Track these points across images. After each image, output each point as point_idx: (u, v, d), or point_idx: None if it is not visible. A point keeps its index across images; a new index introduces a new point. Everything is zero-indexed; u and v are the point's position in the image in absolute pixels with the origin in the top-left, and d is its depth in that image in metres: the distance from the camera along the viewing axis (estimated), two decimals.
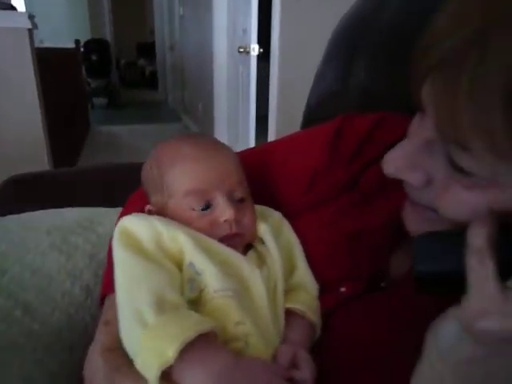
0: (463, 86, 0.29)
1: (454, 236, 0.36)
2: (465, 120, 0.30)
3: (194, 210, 0.50)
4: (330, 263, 0.53)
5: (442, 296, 0.36)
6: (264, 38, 2.56)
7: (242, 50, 2.81)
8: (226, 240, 0.50)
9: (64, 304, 0.59)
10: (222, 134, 3.62)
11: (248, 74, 2.82)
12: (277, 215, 0.57)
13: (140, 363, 0.38)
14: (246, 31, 2.84)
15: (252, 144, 2.99)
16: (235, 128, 3.37)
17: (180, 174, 0.51)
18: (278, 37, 2.24)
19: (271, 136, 2.50)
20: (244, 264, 0.48)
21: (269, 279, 0.49)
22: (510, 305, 0.30)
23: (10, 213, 0.77)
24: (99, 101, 6.37)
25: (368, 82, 0.83)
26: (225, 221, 0.50)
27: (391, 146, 0.50)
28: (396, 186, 0.52)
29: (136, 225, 0.47)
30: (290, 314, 0.49)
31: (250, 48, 2.71)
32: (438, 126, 0.33)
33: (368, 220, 0.53)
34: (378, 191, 0.55)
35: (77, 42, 4.91)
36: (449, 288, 0.35)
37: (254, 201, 0.55)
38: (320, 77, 0.98)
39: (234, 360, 0.39)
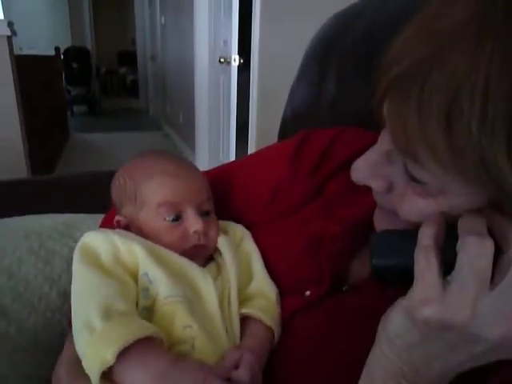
0: (412, 105, 0.32)
1: (408, 234, 0.39)
2: (414, 135, 0.33)
3: (164, 220, 0.54)
4: (293, 269, 0.56)
5: (397, 287, 0.39)
6: (245, 49, 2.60)
7: (222, 60, 2.85)
8: (193, 250, 0.53)
9: (41, 308, 0.59)
10: (203, 142, 3.64)
11: (229, 84, 2.85)
12: (239, 228, 0.61)
13: (85, 365, 0.41)
14: (226, 42, 2.88)
15: (233, 153, 3.01)
16: (216, 137, 3.40)
17: (156, 186, 0.55)
18: (258, 48, 2.27)
19: (251, 145, 2.53)
20: (197, 272, 0.51)
21: (223, 287, 0.52)
22: (448, 296, 0.33)
23: None
24: (79, 108, 6.33)
25: (338, 97, 0.87)
26: (194, 232, 0.53)
27: (351, 157, 0.55)
28: (357, 195, 0.56)
29: (96, 240, 0.50)
30: (247, 319, 0.51)
31: (230, 58, 2.74)
32: (393, 141, 0.36)
33: (330, 227, 0.56)
34: (340, 200, 0.58)
35: (57, 49, 4.87)
36: (402, 280, 0.38)
37: (219, 217, 0.59)
38: (294, 91, 1.02)
39: (173, 362, 0.42)
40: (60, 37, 6.49)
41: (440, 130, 0.31)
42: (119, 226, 0.56)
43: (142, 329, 0.42)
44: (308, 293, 0.52)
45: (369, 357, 0.40)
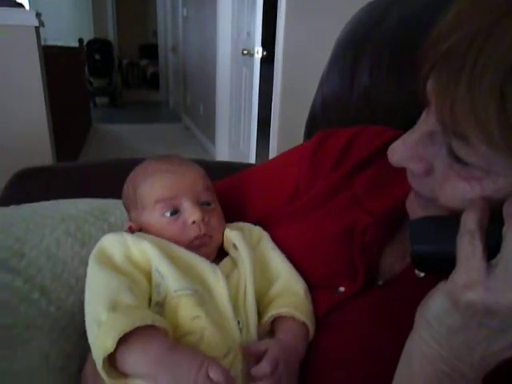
0: (463, 80, 0.31)
1: (448, 219, 0.39)
2: (463, 112, 0.32)
3: (163, 216, 0.55)
4: (323, 264, 0.55)
5: (437, 274, 0.38)
6: (268, 41, 2.59)
7: (245, 52, 2.84)
8: (197, 241, 0.55)
9: (78, 289, 0.60)
10: (223, 135, 3.64)
11: (251, 77, 2.85)
12: (255, 230, 0.61)
13: (94, 356, 0.43)
14: (250, 34, 2.87)
15: (253, 146, 3.00)
16: (237, 130, 3.40)
17: (150, 185, 0.57)
18: (283, 40, 2.26)
19: (273, 139, 2.52)
20: (206, 267, 0.52)
21: (238, 281, 0.53)
22: (493, 279, 0.33)
23: (20, 203, 0.79)
24: (101, 100, 6.40)
25: (371, 87, 0.86)
26: (193, 222, 0.54)
27: (374, 152, 0.57)
28: (383, 190, 0.55)
29: (110, 243, 0.53)
30: (279, 318, 0.51)
31: (253, 50, 2.74)
32: (440, 118, 0.35)
33: (360, 218, 0.55)
34: (367, 195, 0.58)
35: (81, 41, 4.93)
36: (442, 267, 0.37)
37: (238, 221, 0.61)
38: (325, 81, 1.01)
39: (171, 347, 0.43)
40: (83, 29, 6.57)
41: (493, 107, 0.30)
42: (132, 231, 0.58)
43: (143, 318, 0.43)
44: (342, 289, 0.52)
45: (406, 343, 0.40)
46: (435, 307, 0.37)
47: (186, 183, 0.57)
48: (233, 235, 0.57)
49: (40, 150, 2.22)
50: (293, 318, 0.50)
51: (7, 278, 0.54)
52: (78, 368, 0.53)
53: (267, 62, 2.68)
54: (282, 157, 0.71)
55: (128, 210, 0.62)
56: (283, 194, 0.64)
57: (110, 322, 0.43)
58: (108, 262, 0.51)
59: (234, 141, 3.49)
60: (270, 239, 0.60)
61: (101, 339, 0.42)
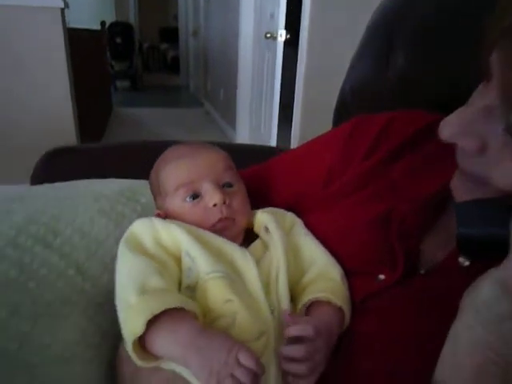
0: None
1: (496, 202, 0.37)
2: None
3: (185, 201, 0.55)
4: (359, 250, 0.54)
5: (483, 260, 0.37)
6: (292, 23, 2.54)
7: (268, 35, 2.80)
8: (219, 224, 0.54)
9: (113, 268, 0.60)
10: (244, 119, 3.62)
11: (274, 61, 2.81)
12: (288, 216, 0.60)
13: (124, 337, 0.44)
14: (273, 16, 2.82)
15: (274, 132, 2.97)
16: (258, 115, 3.37)
17: (170, 171, 0.57)
18: (308, 23, 2.22)
19: (296, 125, 2.49)
20: (235, 251, 0.52)
21: (270, 263, 0.52)
22: None
23: (51, 182, 0.80)
24: (122, 83, 6.43)
25: (406, 69, 0.83)
26: (214, 205, 0.54)
27: (411, 137, 0.56)
28: (423, 177, 0.53)
29: (141, 227, 0.53)
30: (314, 304, 0.51)
31: (277, 34, 2.70)
32: (502, 92, 0.33)
33: (398, 205, 0.54)
34: (406, 181, 0.56)
35: (103, 24, 4.93)
36: (490, 252, 0.36)
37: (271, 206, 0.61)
38: (355, 64, 0.98)
39: (200, 330, 0.43)
40: (104, 12, 6.56)
41: None
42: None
43: (172, 301, 0.44)
44: (382, 277, 0.51)
45: (450, 331, 0.39)
46: (484, 294, 0.36)
47: (205, 166, 0.56)
48: (265, 217, 0.56)
49: (64, 133, 2.24)
50: (329, 303, 0.49)
51: (45, 253, 0.55)
52: (113, 345, 0.53)
53: (291, 45, 2.64)
54: (313, 143, 0.69)
55: (154, 198, 0.63)
56: (314, 181, 0.63)
57: (140, 304, 0.43)
58: (138, 247, 0.51)
59: (255, 125, 3.46)
60: (303, 225, 0.59)
61: (130, 322, 0.43)
